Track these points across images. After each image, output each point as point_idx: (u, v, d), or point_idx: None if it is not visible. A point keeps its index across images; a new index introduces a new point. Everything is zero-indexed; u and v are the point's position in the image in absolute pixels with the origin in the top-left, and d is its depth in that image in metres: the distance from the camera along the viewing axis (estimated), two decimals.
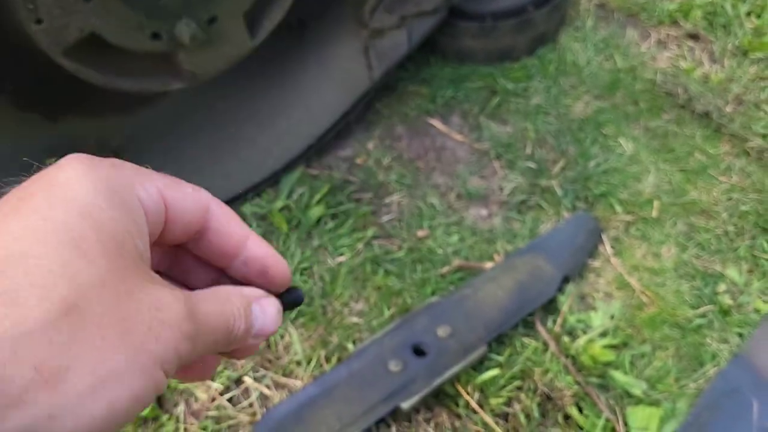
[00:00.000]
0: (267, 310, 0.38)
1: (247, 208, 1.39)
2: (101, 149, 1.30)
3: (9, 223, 0.28)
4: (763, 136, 1.56)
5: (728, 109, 1.60)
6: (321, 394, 1.09)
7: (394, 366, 1.12)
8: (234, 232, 0.38)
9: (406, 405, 1.09)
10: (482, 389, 1.16)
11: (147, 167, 0.35)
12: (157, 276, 0.32)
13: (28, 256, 0.27)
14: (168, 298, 0.31)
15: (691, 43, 1.82)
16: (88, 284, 0.28)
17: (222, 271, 0.40)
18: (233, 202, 1.38)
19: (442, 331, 1.16)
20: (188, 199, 0.36)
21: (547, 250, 1.32)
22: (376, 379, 1.11)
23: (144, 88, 1.18)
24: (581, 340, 1.23)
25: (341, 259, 1.33)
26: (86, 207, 0.30)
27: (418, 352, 1.15)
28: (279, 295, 0.40)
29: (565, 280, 1.30)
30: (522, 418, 1.14)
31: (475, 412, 1.14)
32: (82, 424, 0.26)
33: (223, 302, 0.35)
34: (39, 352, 0.25)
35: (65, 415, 0.26)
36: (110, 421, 0.27)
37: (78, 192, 0.30)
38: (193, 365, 0.37)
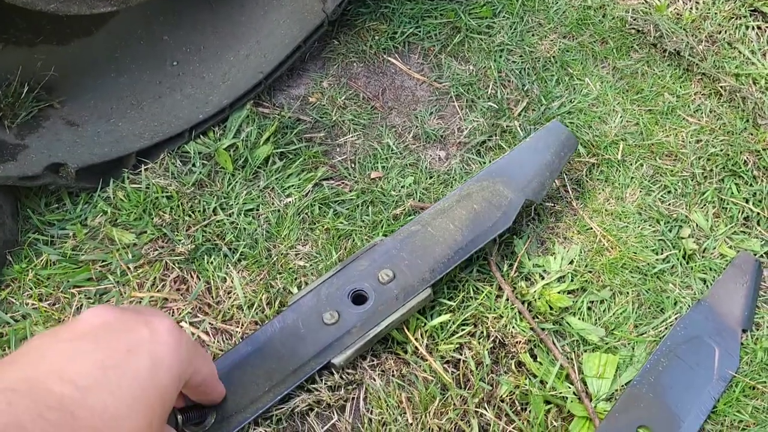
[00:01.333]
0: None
1: (192, 146, 1.31)
2: (31, 82, 1.21)
3: (119, 376, 0.66)
4: (736, 76, 1.49)
5: (700, 48, 1.53)
6: (253, 353, 1.01)
7: (329, 318, 1.04)
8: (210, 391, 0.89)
9: (337, 360, 1.02)
10: (432, 335, 1.11)
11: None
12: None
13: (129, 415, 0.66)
14: None
15: None
16: None
17: None
18: (177, 140, 1.30)
19: (384, 275, 1.08)
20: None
21: (508, 171, 1.20)
22: (309, 333, 1.03)
23: (69, 9, 1.08)
24: (538, 285, 1.18)
25: (289, 200, 1.26)
26: (171, 389, 0.72)
27: (357, 300, 1.08)
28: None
29: (530, 205, 1.21)
30: (473, 364, 1.08)
31: (423, 359, 1.08)
32: None
33: None
34: None
35: None
36: None
37: (170, 371, 0.72)
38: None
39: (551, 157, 1.21)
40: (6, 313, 1.07)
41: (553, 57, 1.55)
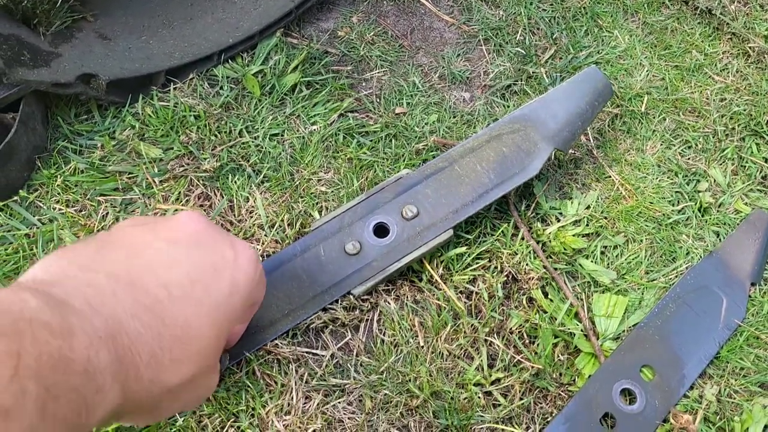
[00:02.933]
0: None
1: (221, 70, 1.32)
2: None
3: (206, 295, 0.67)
4: (766, 38, 1.49)
5: (732, 7, 1.53)
6: (274, 273, 1.03)
7: (351, 248, 1.06)
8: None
9: (356, 291, 1.04)
10: (447, 266, 1.13)
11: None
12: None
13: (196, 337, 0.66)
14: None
15: None
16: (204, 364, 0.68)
17: None
18: (206, 62, 1.31)
19: (408, 211, 1.09)
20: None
21: (541, 116, 1.17)
22: (330, 261, 1.05)
23: None
24: (553, 227, 1.20)
25: (314, 128, 1.27)
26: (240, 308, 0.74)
27: (379, 232, 1.09)
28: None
29: (554, 154, 1.21)
30: (485, 296, 1.11)
31: (438, 287, 1.11)
32: None
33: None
34: None
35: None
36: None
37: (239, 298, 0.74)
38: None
39: (585, 106, 1.18)
40: (34, 216, 1.10)
41: (584, 8, 1.54)
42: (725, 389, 1.07)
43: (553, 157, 1.26)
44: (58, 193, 1.13)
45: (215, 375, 0.71)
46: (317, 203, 1.17)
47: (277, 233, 1.13)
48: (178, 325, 0.61)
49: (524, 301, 1.12)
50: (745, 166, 1.33)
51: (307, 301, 1.03)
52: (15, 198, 1.11)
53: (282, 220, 1.14)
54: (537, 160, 1.15)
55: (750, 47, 1.47)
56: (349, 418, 0.98)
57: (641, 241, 1.21)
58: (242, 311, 0.73)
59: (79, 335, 0.48)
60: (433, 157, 1.22)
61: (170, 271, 0.63)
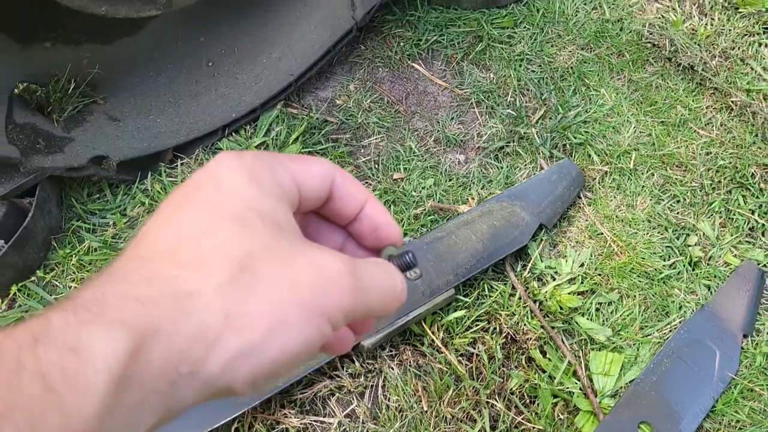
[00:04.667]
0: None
1: (225, 143, 1.38)
2: (77, 79, 1.28)
3: (186, 209, 0.34)
4: (747, 92, 1.55)
5: (714, 63, 1.59)
6: None
7: None
8: (354, 197, 0.44)
9: (367, 343, 1.09)
10: (448, 329, 1.17)
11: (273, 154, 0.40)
12: (313, 242, 0.37)
13: (206, 233, 0.33)
14: (328, 259, 0.35)
15: None
16: (257, 250, 0.33)
17: (344, 230, 0.47)
18: (211, 137, 1.38)
19: (411, 273, 1.15)
20: (315, 177, 0.40)
21: (526, 197, 1.31)
22: None
23: (117, 12, 1.16)
24: (549, 286, 1.24)
25: None
26: (243, 194, 0.35)
27: None
28: (391, 259, 0.46)
29: (541, 228, 1.30)
30: (485, 358, 1.15)
31: (439, 351, 1.15)
32: (262, 363, 0.32)
33: (386, 269, 0.42)
34: (226, 303, 0.31)
35: (249, 356, 0.31)
36: (282, 362, 0.33)
37: (235, 183, 0.35)
38: (342, 334, 0.45)
39: (563, 190, 1.35)
40: (50, 295, 1.15)
41: (571, 68, 1.61)
42: None
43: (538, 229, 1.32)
44: (73, 272, 1.18)
45: None
46: None
47: None
48: None
49: (523, 361, 1.17)
50: (732, 219, 1.37)
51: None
52: (32, 278, 1.17)
53: None
54: (526, 231, 1.26)
55: (732, 101, 1.53)
56: None
57: (635, 296, 1.25)
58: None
59: None
60: (431, 222, 1.29)
61: None
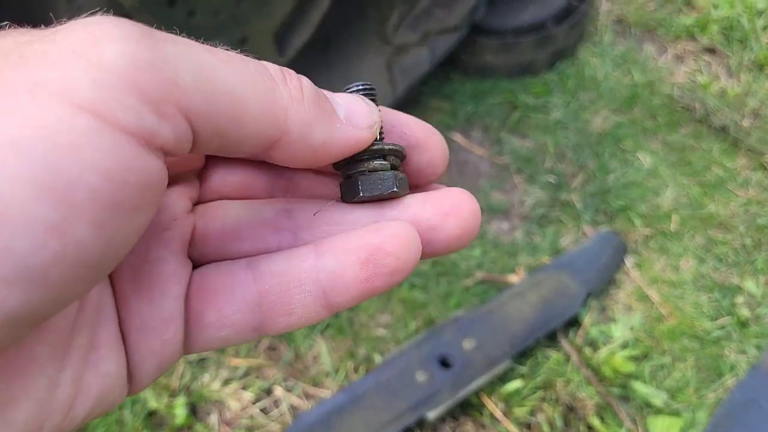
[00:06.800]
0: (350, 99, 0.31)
1: None
2: None
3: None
4: None
5: (745, 123, 1.63)
6: (349, 402, 1.13)
7: (420, 376, 1.16)
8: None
9: (431, 415, 1.12)
10: (506, 400, 1.20)
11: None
12: None
13: None
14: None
15: (707, 57, 1.85)
16: None
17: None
18: None
19: (468, 344, 1.20)
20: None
21: (572, 267, 1.36)
22: (403, 389, 1.15)
23: None
24: (602, 352, 1.27)
25: None
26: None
27: (444, 363, 1.19)
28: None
29: (589, 296, 1.34)
30: (545, 427, 1.17)
31: (499, 421, 1.17)
32: None
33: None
34: None
35: None
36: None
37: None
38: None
39: (607, 259, 1.39)
40: None
41: (607, 132, 1.66)
42: None
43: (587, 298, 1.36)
44: None
45: None
46: (377, 346, 1.26)
47: (343, 379, 1.21)
48: None
49: (582, 429, 1.18)
50: None
51: (384, 425, 1.12)
52: None
53: (346, 366, 1.22)
54: (575, 301, 1.30)
55: (766, 161, 1.56)
56: None
57: (687, 359, 1.27)
58: None
59: None
60: (482, 292, 1.32)
61: None
